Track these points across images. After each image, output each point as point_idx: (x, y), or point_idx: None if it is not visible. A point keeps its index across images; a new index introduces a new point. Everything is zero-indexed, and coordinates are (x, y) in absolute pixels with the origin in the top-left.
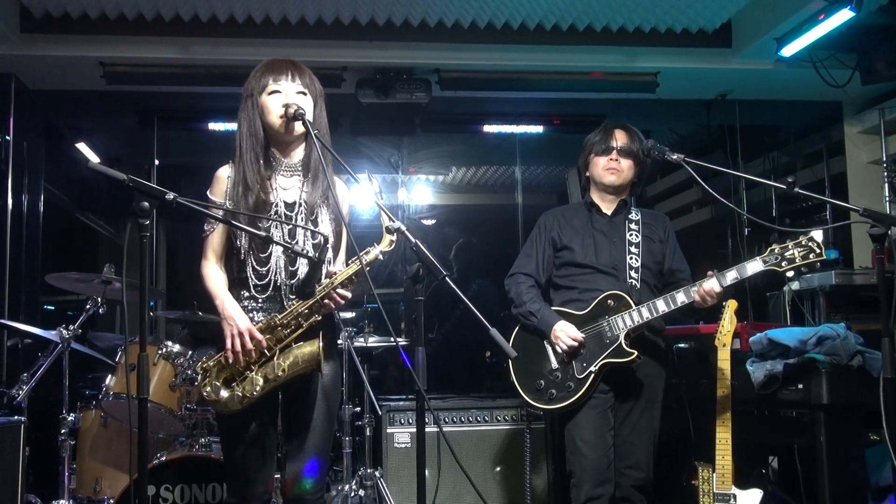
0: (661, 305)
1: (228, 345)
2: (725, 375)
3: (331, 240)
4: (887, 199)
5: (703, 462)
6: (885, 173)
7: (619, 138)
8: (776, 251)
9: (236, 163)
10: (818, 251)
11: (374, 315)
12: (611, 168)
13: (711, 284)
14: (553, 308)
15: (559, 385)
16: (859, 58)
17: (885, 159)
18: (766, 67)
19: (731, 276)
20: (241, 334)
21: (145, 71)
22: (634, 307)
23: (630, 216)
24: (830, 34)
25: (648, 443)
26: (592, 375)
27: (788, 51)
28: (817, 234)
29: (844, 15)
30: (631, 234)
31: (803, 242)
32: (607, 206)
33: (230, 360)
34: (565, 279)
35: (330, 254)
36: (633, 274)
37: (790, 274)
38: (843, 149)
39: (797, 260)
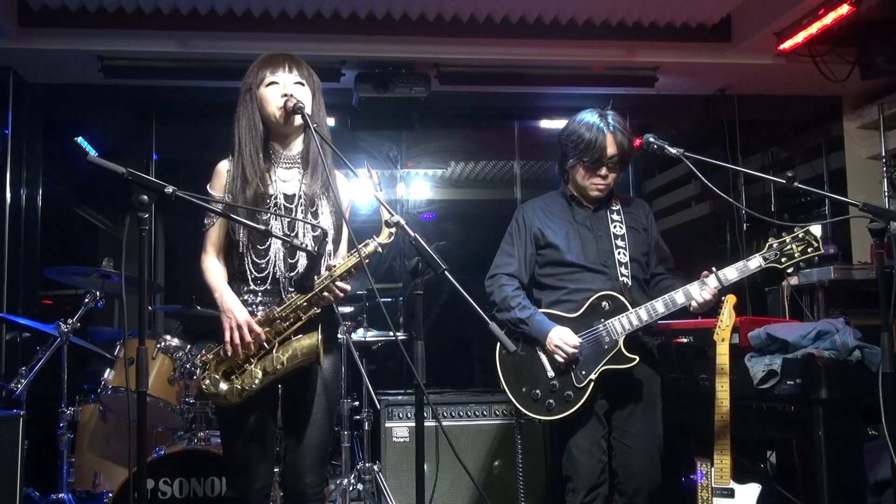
0: (660, 307)
1: (227, 337)
2: (724, 370)
3: (330, 233)
4: (886, 194)
5: (701, 457)
6: (885, 168)
7: (611, 149)
8: (774, 247)
9: (235, 157)
10: (816, 244)
11: (373, 309)
12: (599, 185)
13: (712, 285)
14: (542, 311)
15: (557, 395)
16: (859, 52)
17: (884, 154)
18: (765, 62)
19: (731, 275)
20: (239, 327)
21: (144, 65)
22: (632, 309)
23: (612, 207)
24: (830, 29)
25: (652, 448)
26: (592, 383)
27: (788, 45)
28: (816, 229)
29: (844, 9)
30: (615, 227)
31: (801, 236)
32: (588, 201)
33: (229, 353)
34: (551, 278)
35: (330, 247)
36: (623, 271)
37: (790, 270)
38: (843, 144)
39: (796, 255)
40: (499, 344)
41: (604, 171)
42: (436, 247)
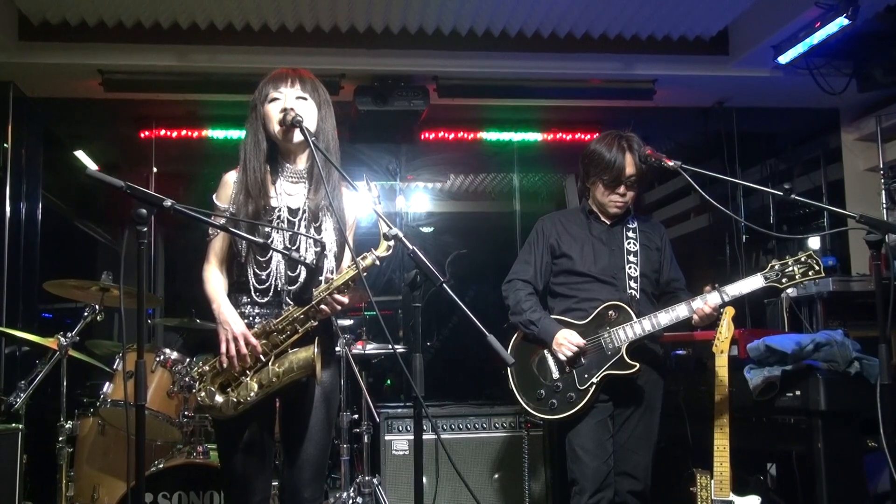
0: (664, 319)
1: (223, 349)
2: (723, 382)
3: (332, 248)
4: (884, 205)
5: (701, 469)
6: (882, 180)
7: (629, 169)
8: (776, 268)
9: (240, 172)
10: (817, 268)
11: (372, 322)
12: (618, 202)
13: (713, 300)
14: (553, 317)
15: (561, 395)
16: (856, 65)
17: (882, 166)
18: (763, 75)
19: (732, 291)
20: (235, 339)
21: (143, 78)
22: (636, 319)
23: (628, 224)
24: (827, 42)
25: (646, 449)
26: (594, 387)
27: (785, 58)
28: (814, 241)
29: (841, 22)
30: (629, 243)
31: (803, 259)
32: (607, 216)
33: (225, 365)
34: (563, 287)
35: (332, 263)
36: (632, 284)
37: (790, 290)
38: (841, 156)
39: (797, 276)
40: (510, 346)
41: (622, 189)
42: (456, 254)
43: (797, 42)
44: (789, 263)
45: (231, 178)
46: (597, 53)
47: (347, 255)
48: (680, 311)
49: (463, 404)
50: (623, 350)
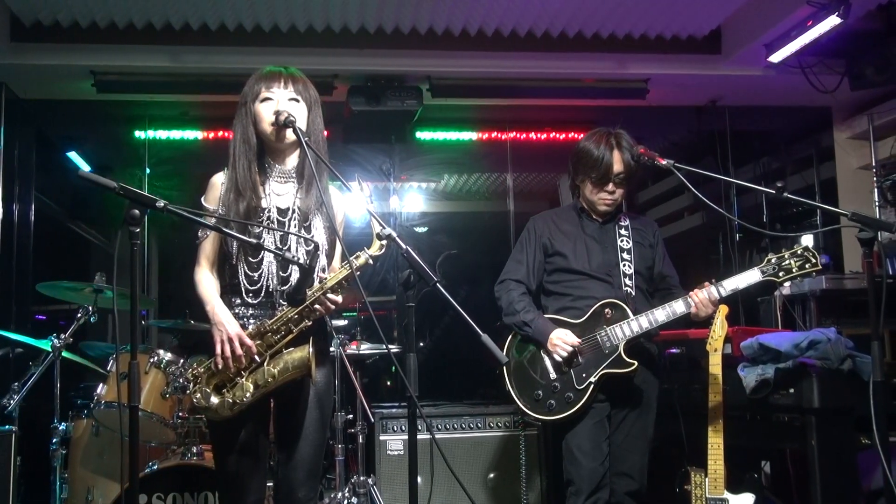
0: (661, 316)
1: (218, 350)
2: (717, 380)
3: (324, 247)
4: (877, 203)
5: (695, 467)
6: (875, 178)
7: (617, 166)
8: (773, 261)
9: (229, 169)
10: (814, 261)
11: (366, 322)
12: (607, 200)
13: (710, 293)
14: (547, 316)
15: (558, 396)
16: (848, 63)
17: (874, 164)
18: (755, 73)
19: (729, 286)
20: (230, 340)
21: (136, 79)
22: (633, 317)
23: (620, 221)
24: (819, 40)
25: (642, 449)
26: (592, 386)
27: (777, 57)
28: (807, 239)
29: (832, 21)
30: (622, 240)
31: (799, 252)
32: (597, 214)
33: (220, 367)
34: (558, 285)
35: (324, 261)
36: (627, 281)
37: (787, 284)
38: (833, 154)
39: (794, 270)
40: (506, 346)
41: (610, 186)
42: (447, 254)
43: (789, 41)
44: (786, 257)
45: (218, 180)
46: (590, 53)
47: (338, 253)
48: (677, 307)
49: (457, 404)
50: (621, 348)
